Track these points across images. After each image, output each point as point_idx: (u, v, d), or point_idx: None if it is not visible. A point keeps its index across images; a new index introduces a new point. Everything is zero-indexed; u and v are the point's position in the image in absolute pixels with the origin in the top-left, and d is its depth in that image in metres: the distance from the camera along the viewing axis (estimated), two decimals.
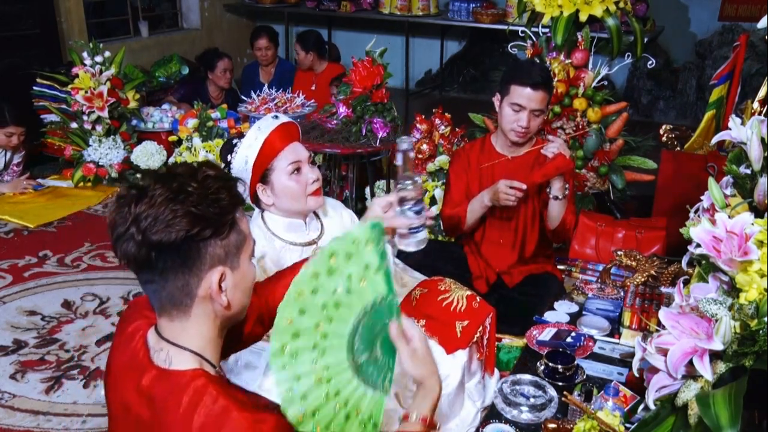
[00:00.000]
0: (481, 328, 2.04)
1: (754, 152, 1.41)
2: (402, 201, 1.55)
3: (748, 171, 1.45)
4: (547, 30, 3.51)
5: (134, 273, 1.12)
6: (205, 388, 1.07)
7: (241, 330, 1.39)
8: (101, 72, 4.25)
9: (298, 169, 1.87)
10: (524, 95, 2.37)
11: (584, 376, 1.98)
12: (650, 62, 3.73)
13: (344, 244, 1.20)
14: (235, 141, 1.90)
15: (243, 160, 1.85)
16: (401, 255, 2.21)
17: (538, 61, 3.57)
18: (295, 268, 1.46)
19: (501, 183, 2.36)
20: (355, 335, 1.20)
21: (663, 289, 2.33)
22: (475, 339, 2.03)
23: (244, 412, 1.04)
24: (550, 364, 1.96)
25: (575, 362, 1.98)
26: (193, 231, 1.05)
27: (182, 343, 1.12)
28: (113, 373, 1.22)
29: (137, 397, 1.13)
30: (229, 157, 1.89)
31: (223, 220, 1.09)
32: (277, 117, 1.89)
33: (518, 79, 2.38)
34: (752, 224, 1.24)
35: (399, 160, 1.53)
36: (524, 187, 2.34)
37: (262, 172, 1.87)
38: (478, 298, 2.09)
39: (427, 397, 1.26)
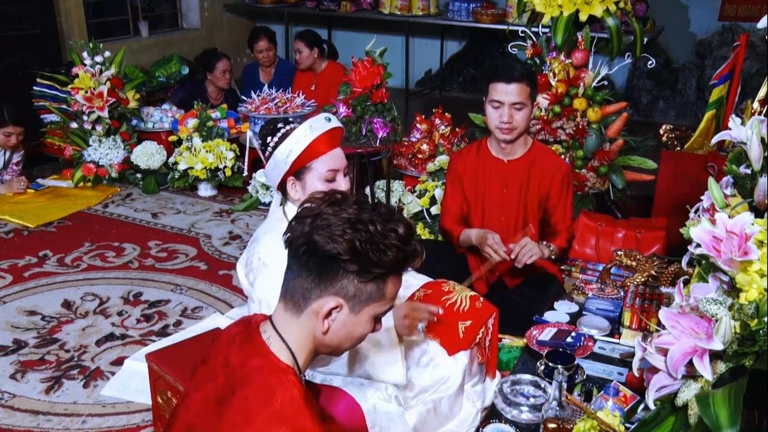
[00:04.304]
0: (483, 329, 2.04)
1: (754, 152, 1.41)
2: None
3: (748, 171, 1.45)
4: (547, 30, 3.51)
5: (287, 252, 1.22)
6: (294, 383, 1.15)
7: None
8: (101, 72, 4.25)
9: (333, 178, 1.87)
10: (501, 90, 2.42)
11: (584, 376, 1.98)
12: (650, 62, 3.73)
13: None
14: (279, 125, 1.89)
15: (286, 152, 1.84)
16: None
17: (538, 60, 3.58)
18: None
19: (490, 238, 2.39)
20: None
21: (663, 289, 2.33)
22: (477, 340, 2.03)
23: (317, 426, 1.12)
24: (550, 364, 1.96)
25: (575, 362, 1.97)
26: (343, 257, 1.14)
27: (285, 338, 1.20)
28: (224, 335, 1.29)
29: (238, 351, 1.21)
30: (269, 138, 1.89)
31: (372, 269, 1.16)
32: (329, 120, 1.88)
33: (494, 76, 2.44)
34: (752, 224, 1.24)
35: None
36: (507, 258, 2.36)
37: (298, 168, 1.87)
38: (481, 299, 2.09)
39: None
